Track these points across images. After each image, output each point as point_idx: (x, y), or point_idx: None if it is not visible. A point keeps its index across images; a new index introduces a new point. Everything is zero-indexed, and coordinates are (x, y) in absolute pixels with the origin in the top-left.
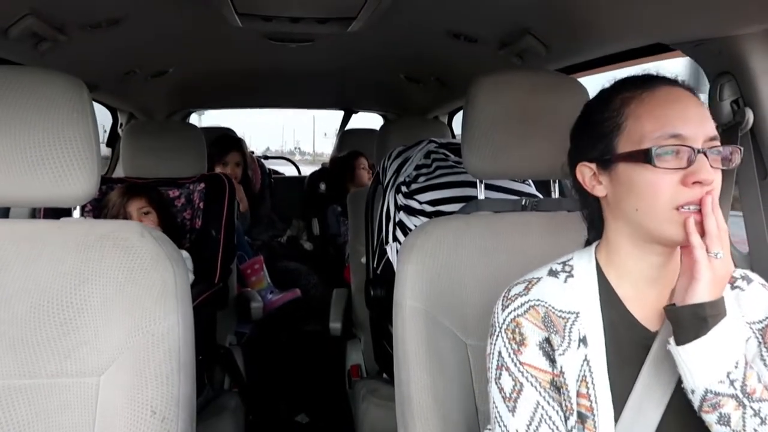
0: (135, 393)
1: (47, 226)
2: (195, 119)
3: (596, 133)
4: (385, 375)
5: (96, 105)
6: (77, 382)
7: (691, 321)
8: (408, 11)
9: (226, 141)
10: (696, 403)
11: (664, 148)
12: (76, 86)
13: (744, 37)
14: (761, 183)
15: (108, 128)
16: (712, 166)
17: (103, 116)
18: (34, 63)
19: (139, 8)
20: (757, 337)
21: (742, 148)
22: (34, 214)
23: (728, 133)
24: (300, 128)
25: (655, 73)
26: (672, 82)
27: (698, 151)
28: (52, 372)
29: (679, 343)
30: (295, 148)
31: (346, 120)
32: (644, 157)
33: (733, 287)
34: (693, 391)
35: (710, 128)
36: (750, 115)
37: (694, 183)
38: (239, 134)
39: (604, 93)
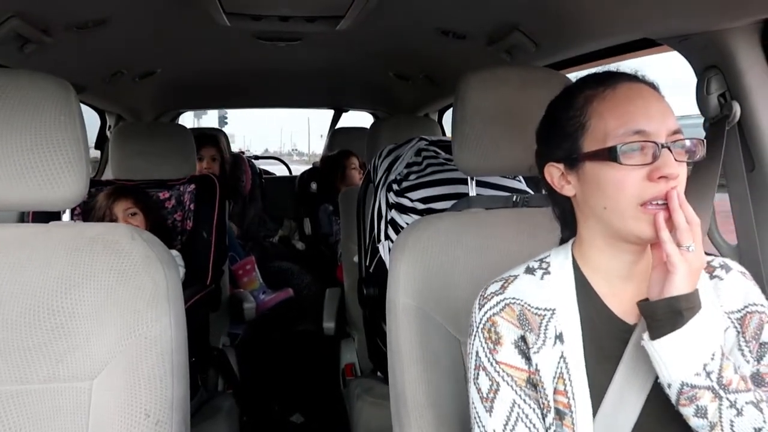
0: (128, 396)
1: (36, 230)
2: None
3: (561, 132)
4: (379, 373)
5: (84, 108)
6: (69, 387)
7: (666, 314)
8: (396, 9)
9: (200, 137)
10: (673, 397)
11: (628, 145)
12: (62, 88)
13: (730, 32)
14: (749, 175)
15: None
16: (676, 160)
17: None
18: (19, 65)
19: (126, 9)
20: (736, 327)
21: (705, 141)
22: (23, 218)
23: (716, 126)
24: (297, 131)
25: (615, 69)
26: (633, 78)
27: (662, 146)
28: (44, 377)
29: (654, 337)
30: (293, 150)
31: (336, 119)
32: (609, 155)
33: (711, 276)
34: (669, 385)
35: (672, 122)
36: (737, 109)
37: (660, 178)
38: (239, 137)
39: (567, 92)
